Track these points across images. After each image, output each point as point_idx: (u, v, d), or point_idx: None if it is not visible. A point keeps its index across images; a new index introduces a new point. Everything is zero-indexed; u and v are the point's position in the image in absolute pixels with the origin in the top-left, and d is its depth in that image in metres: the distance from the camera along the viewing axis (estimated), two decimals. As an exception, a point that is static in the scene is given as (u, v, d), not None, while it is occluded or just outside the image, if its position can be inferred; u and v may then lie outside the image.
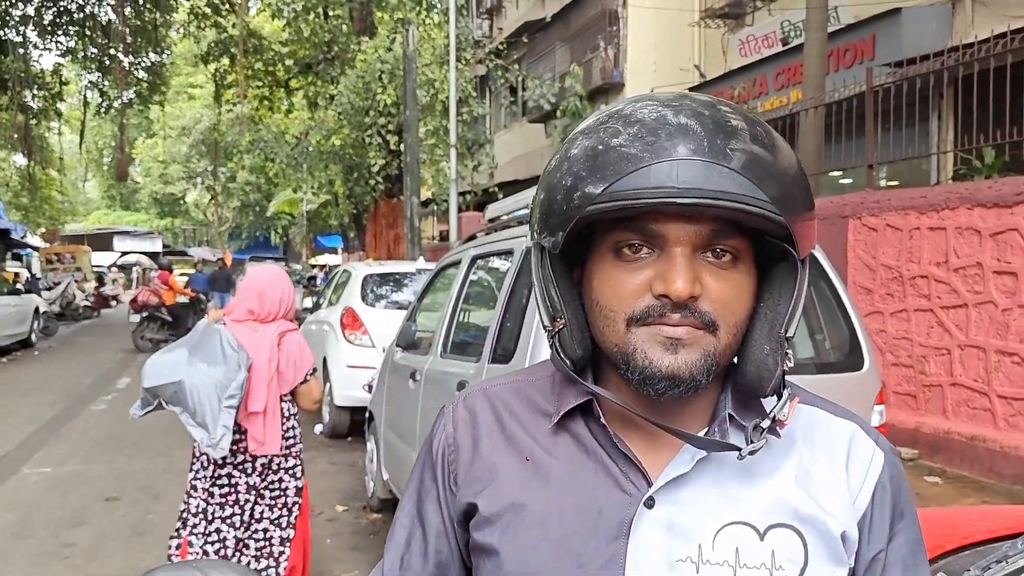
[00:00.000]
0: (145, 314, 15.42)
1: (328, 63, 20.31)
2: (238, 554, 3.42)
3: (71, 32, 23.76)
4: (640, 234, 0.80)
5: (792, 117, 9.48)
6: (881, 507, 0.87)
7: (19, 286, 16.93)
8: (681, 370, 0.79)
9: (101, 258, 37.78)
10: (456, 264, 4.59)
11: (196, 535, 3.38)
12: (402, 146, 16.06)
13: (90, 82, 26.42)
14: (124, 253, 43.05)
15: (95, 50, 23.87)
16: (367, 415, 5.94)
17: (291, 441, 3.51)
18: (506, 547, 0.86)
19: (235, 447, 3.34)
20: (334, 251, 33.84)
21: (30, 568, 4.47)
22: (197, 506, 3.41)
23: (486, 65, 19.90)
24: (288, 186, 25.11)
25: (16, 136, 24.55)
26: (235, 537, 3.42)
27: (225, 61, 23.98)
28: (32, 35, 22.65)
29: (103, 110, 27.24)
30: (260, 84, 24.18)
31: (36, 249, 30.74)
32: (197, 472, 3.45)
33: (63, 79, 26.08)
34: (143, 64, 25.98)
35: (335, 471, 6.57)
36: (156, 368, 3.30)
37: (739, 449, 0.81)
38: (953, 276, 6.21)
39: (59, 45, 24.16)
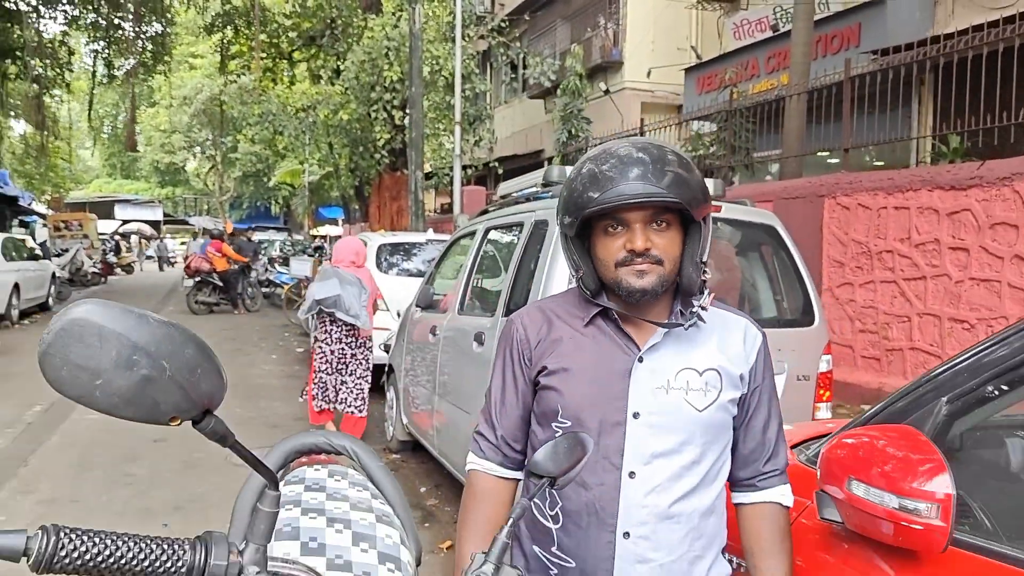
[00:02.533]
0: (198, 279, 16.52)
1: (333, 37, 20.80)
2: (338, 395, 6.16)
3: (75, 0, 24.13)
4: (616, 220, 1.47)
5: (778, 102, 10.11)
6: (759, 362, 1.58)
7: (37, 252, 17.52)
8: (646, 287, 1.47)
9: (103, 226, 38.28)
10: (471, 235, 5.25)
11: (316, 387, 6.17)
12: (406, 121, 16.60)
13: (94, 51, 26.85)
14: (125, 221, 43.54)
15: (100, 19, 24.27)
16: (387, 368, 6.63)
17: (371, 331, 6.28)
18: (563, 387, 1.56)
19: (349, 329, 6.09)
20: (335, 222, 34.33)
21: (102, 492, 5.16)
22: (319, 368, 6.13)
23: (488, 41, 20.37)
24: (297, 158, 25.61)
25: (27, 106, 24.98)
26: (338, 383, 6.16)
27: (229, 32, 24.41)
28: (37, 3, 22.97)
29: (107, 79, 27.66)
30: (264, 56, 24.61)
31: (43, 216, 31.22)
32: (321, 351, 6.16)
33: (70, 49, 26.47)
34: (147, 33, 26.41)
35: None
36: (322, 290, 5.93)
37: (683, 325, 1.51)
38: (914, 251, 6.89)
39: (64, 14, 24.55)
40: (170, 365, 0.88)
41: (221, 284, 16.73)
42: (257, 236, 22.85)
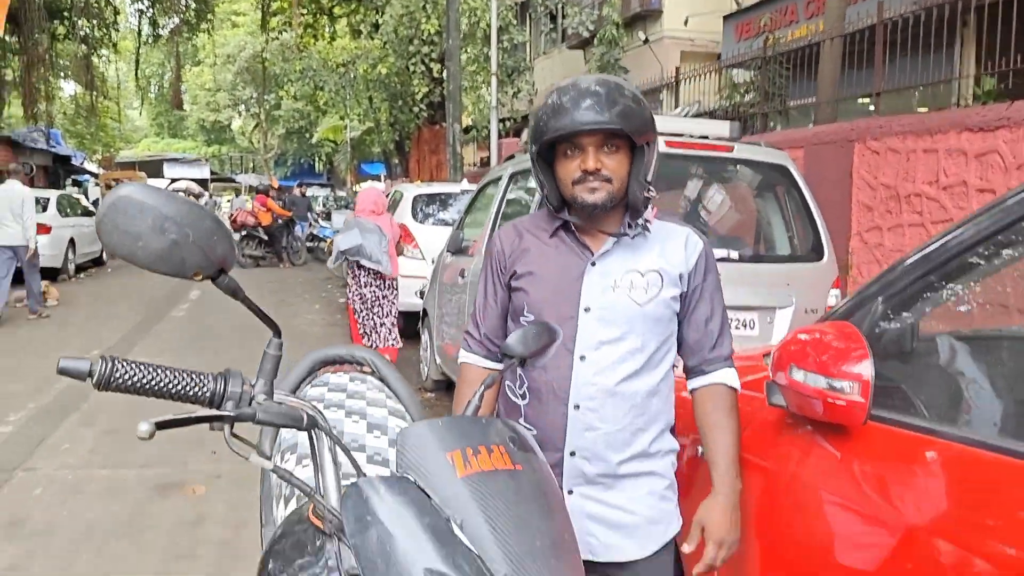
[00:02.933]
0: (244, 233, 16.94)
1: (373, -9, 20.88)
2: (374, 332, 6.76)
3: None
4: (573, 144, 1.70)
5: (814, 47, 10.04)
6: (700, 265, 1.79)
7: (91, 208, 18.12)
8: (597, 201, 1.71)
9: (153, 184, 39.05)
10: (496, 181, 5.46)
11: (359, 325, 6.80)
12: (445, 74, 16.72)
13: (139, 10, 27.27)
14: (174, 180, 44.44)
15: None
16: (421, 312, 6.92)
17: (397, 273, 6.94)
18: (529, 287, 1.81)
19: (375, 274, 6.65)
20: (377, 178, 34.67)
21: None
22: (356, 310, 6.78)
23: (526, -8, 20.30)
24: (337, 113, 25.88)
25: (76, 66, 25.55)
26: (375, 322, 6.75)
27: (271, -12, 24.62)
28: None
29: (152, 39, 28.10)
30: (304, 12, 24.77)
31: (94, 175, 32.06)
32: (354, 293, 6.79)
33: (116, 8, 26.90)
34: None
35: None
36: (345, 241, 6.53)
37: (629, 235, 1.74)
38: (942, 194, 6.93)
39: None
40: (193, 232, 1.14)
41: (266, 238, 17.23)
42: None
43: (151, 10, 26.72)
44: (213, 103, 47.18)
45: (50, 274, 12.55)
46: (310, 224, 18.73)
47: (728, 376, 1.79)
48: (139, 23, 28.24)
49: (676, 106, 13.42)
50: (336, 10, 24.92)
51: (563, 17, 20.07)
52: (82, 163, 32.40)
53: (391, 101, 20.30)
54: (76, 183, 29.40)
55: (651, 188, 1.75)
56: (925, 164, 7.09)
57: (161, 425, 1.14)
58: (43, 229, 14.11)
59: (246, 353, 7.76)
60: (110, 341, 8.59)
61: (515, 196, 5.21)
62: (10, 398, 6.20)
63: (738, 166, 4.44)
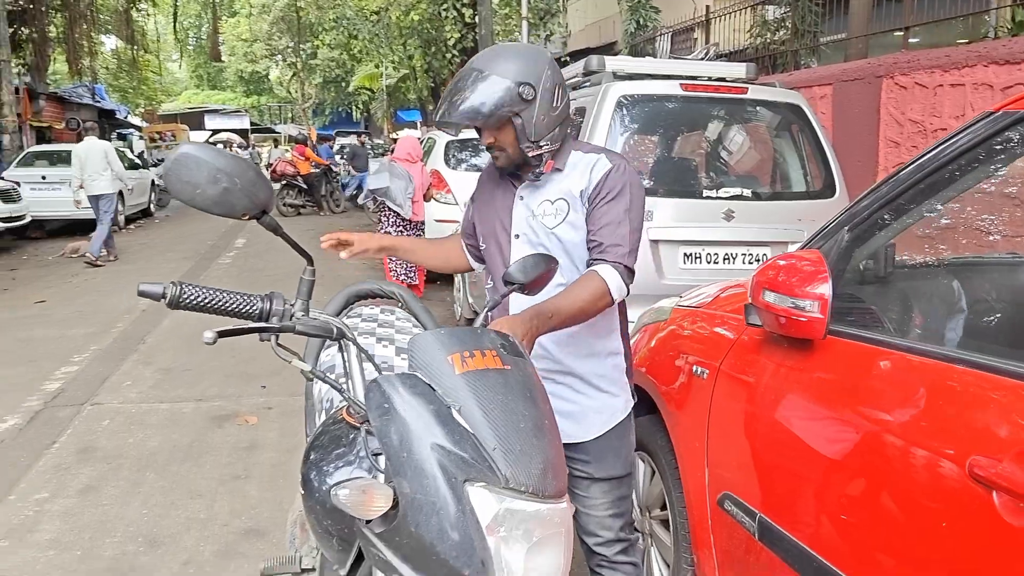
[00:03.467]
0: (283, 182, 17.44)
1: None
2: (401, 270, 7.25)
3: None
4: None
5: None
6: (602, 184, 2.02)
7: (137, 161, 18.60)
8: (501, 165, 2.07)
9: (194, 137, 39.74)
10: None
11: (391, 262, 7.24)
12: (476, 19, 16.71)
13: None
14: (215, 131, 45.00)
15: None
16: (455, 255, 7.22)
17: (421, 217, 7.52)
18: (477, 214, 2.21)
19: (404, 217, 7.19)
20: (414, 125, 34.75)
21: (210, 360, 5.93)
22: None
23: (559, -70, 20.04)
24: (372, 62, 25.94)
25: (116, 21, 25.90)
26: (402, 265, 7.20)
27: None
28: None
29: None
30: (337, -43, 24.76)
31: (138, 128, 32.66)
32: (383, 233, 6.73)
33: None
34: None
35: (430, 306, 7.90)
36: (374, 181, 7.18)
37: (534, 177, 2.08)
38: (969, 128, 6.95)
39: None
40: (240, 181, 1.43)
41: (306, 187, 17.60)
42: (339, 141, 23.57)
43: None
44: (250, 54, 47.32)
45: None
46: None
47: (602, 269, 1.97)
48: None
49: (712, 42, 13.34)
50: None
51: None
52: (126, 117, 33.02)
53: (424, 48, 20.34)
54: (121, 137, 29.98)
55: (541, 144, 2.02)
56: (952, 99, 7.10)
57: (222, 333, 1.42)
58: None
59: (289, 291, 8.14)
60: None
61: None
62: (74, 341, 6.64)
63: (756, 107, 4.58)
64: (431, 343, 1.52)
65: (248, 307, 1.56)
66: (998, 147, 1.65)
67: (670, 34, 14.74)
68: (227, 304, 1.53)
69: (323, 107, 48.69)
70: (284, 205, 17.55)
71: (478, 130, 2.07)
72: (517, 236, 2.10)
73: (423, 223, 7.59)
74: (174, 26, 30.98)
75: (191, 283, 1.50)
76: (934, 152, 1.78)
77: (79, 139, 22.80)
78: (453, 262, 2.45)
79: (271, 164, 21.94)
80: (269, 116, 56.53)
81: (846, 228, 1.95)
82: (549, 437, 1.49)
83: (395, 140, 32.69)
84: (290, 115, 54.34)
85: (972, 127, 1.71)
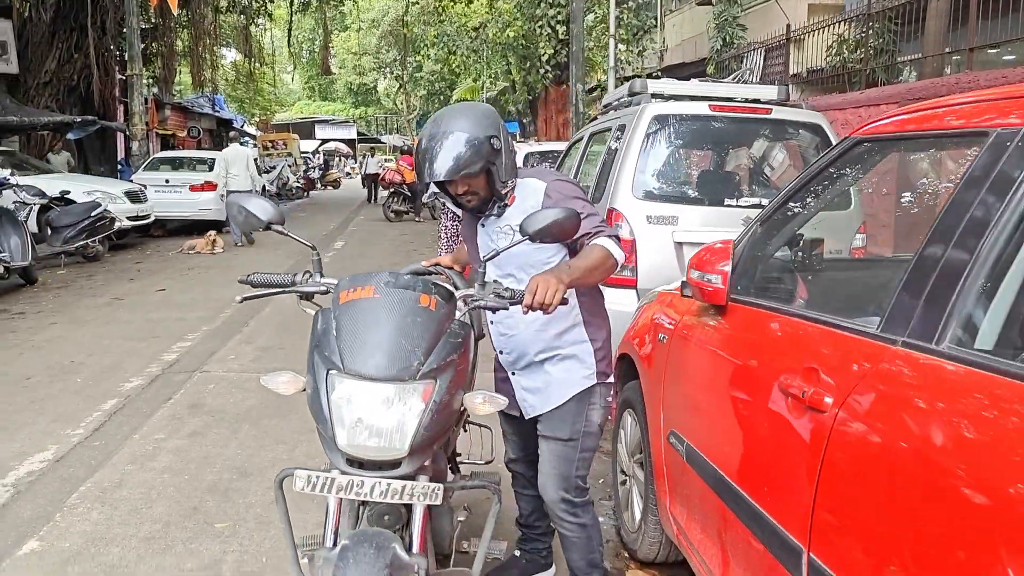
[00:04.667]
0: (392, 190, 19.12)
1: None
2: None
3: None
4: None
5: (921, 1, 10.15)
6: (547, 200, 2.46)
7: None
8: (474, 208, 2.55)
9: (304, 145, 41.75)
10: (580, 140, 6.29)
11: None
12: (569, 36, 17.41)
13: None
14: (324, 141, 47.12)
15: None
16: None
17: None
18: (466, 243, 2.79)
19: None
20: (512, 136, 35.62)
21: (302, 341, 6.77)
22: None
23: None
24: (469, 75, 26.97)
25: (236, 36, 27.75)
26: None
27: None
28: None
29: (303, 7, 30.00)
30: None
31: (253, 137, 34.64)
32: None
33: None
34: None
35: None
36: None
37: (499, 212, 2.57)
38: None
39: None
40: (253, 210, 2.22)
41: (409, 195, 18.77)
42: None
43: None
44: (359, 67, 49.45)
45: (216, 226, 14.27)
46: None
47: (597, 240, 2.40)
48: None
49: (799, 61, 13.63)
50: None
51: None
52: (242, 126, 35.06)
53: (520, 63, 21.18)
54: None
55: (507, 183, 2.49)
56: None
57: (248, 297, 2.32)
58: (209, 186, 16.04)
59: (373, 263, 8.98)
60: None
61: (594, 149, 6.02)
62: (188, 322, 7.63)
63: (779, 126, 5.09)
64: (339, 285, 2.23)
65: (283, 280, 2.41)
66: (845, 166, 2.23)
67: (763, 50, 15.03)
68: (271, 280, 2.39)
69: (427, 118, 50.26)
70: (390, 211, 18.93)
71: (442, 184, 2.45)
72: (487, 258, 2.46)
73: None
74: (289, 40, 32.79)
75: (255, 272, 2.39)
76: (810, 168, 2.36)
77: (199, 146, 24.63)
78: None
79: (368, 172, 23.26)
80: (376, 127, 58.64)
81: (757, 224, 2.54)
82: (395, 352, 2.02)
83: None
84: (395, 126, 56.27)
85: (833, 150, 2.28)
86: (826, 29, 12.35)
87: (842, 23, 12.06)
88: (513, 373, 2.69)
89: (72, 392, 5.49)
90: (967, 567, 1.27)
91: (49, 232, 11.45)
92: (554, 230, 2.23)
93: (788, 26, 13.41)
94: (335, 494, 2.00)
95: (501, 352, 2.69)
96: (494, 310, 2.36)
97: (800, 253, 2.64)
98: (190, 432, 4.73)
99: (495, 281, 2.38)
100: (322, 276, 2.40)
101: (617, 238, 2.44)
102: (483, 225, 2.62)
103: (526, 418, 2.69)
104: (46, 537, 3.44)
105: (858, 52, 11.60)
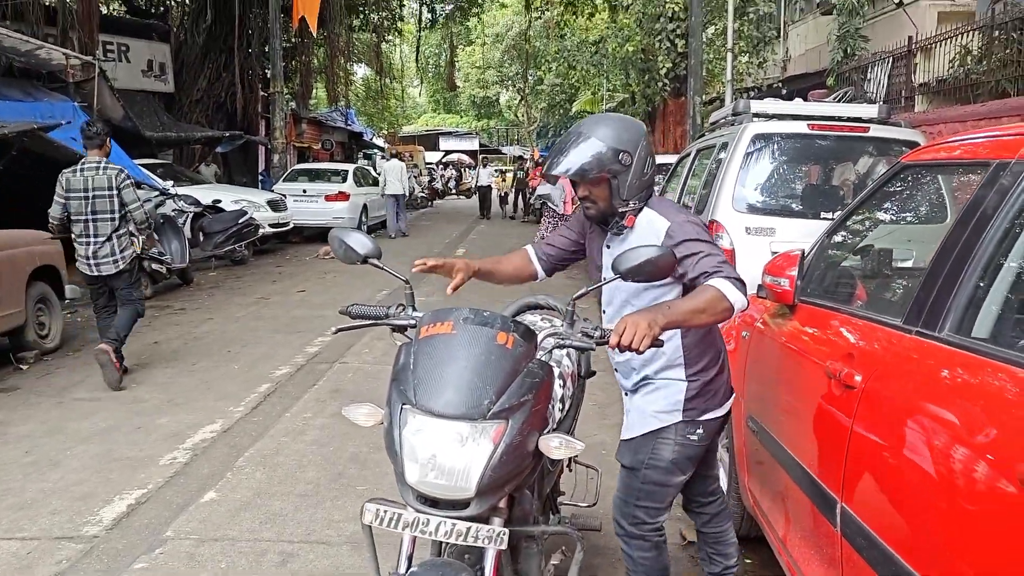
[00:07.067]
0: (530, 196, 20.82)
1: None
2: None
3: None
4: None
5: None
6: (667, 240, 2.36)
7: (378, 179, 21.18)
8: (591, 216, 2.55)
9: (429, 156, 43.16)
10: (688, 155, 6.68)
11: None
12: (687, 49, 17.64)
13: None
14: (447, 152, 48.60)
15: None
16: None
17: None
18: (588, 244, 2.76)
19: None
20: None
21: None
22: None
23: (778, -40, 20.50)
24: (588, 89, 27.45)
25: (367, 53, 29.20)
26: None
27: (535, -31, 26.59)
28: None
29: (431, 24, 31.25)
30: (565, -12, 26.53)
31: (381, 149, 36.23)
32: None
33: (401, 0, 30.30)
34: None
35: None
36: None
37: (616, 231, 2.54)
38: None
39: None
40: (353, 245, 2.49)
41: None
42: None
43: (430, -1, 29.91)
44: (483, 80, 50.71)
45: (348, 233, 15.29)
46: None
47: (712, 281, 2.29)
48: (420, 10, 31.60)
49: (929, 71, 13.43)
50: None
51: (813, -16, 20.09)
52: (371, 139, 36.74)
53: (639, 76, 21.50)
54: (366, 156, 33.44)
55: (627, 203, 2.45)
56: None
57: (340, 329, 2.40)
58: (342, 196, 17.14)
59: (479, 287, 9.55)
60: (394, 283, 10.79)
61: (700, 165, 6.41)
62: (327, 320, 8.42)
63: (876, 144, 5.35)
64: (421, 320, 2.22)
65: (376, 312, 2.44)
66: (895, 186, 2.60)
67: (890, 60, 14.85)
68: (366, 312, 2.44)
69: (547, 129, 51.06)
70: (526, 216, 20.18)
71: (574, 183, 2.47)
72: (606, 280, 2.44)
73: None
74: (416, 56, 34.16)
75: (355, 303, 2.48)
76: (870, 188, 2.74)
77: (331, 158, 26.08)
78: (524, 275, 2.81)
79: (480, 184, 24.42)
80: (497, 138, 59.85)
81: (824, 236, 2.93)
82: (462, 376, 1.99)
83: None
84: (516, 137, 57.31)
85: (887, 172, 2.65)
86: (952, 39, 12.17)
87: (967, 33, 11.87)
88: (626, 393, 2.72)
89: (231, 376, 6.30)
90: (955, 507, 1.66)
91: (202, 237, 12.63)
92: (647, 269, 2.16)
93: (910, 38, 13.25)
94: (401, 530, 2.01)
95: (616, 371, 2.73)
96: (581, 350, 2.28)
97: (861, 260, 3.01)
98: (332, 412, 5.39)
99: (585, 319, 2.29)
100: (414, 309, 2.43)
101: (740, 281, 2.30)
102: (608, 246, 2.59)
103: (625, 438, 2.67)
104: (221, 489, 4.14)
105: (983, 63, 11.40)
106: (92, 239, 5.98)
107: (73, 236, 6.05)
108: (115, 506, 3.94)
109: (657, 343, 2.11)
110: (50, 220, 6.05)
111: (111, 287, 6.20)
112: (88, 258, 6.01)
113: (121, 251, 6.06)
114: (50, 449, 4.73)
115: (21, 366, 6.67)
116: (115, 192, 5.98)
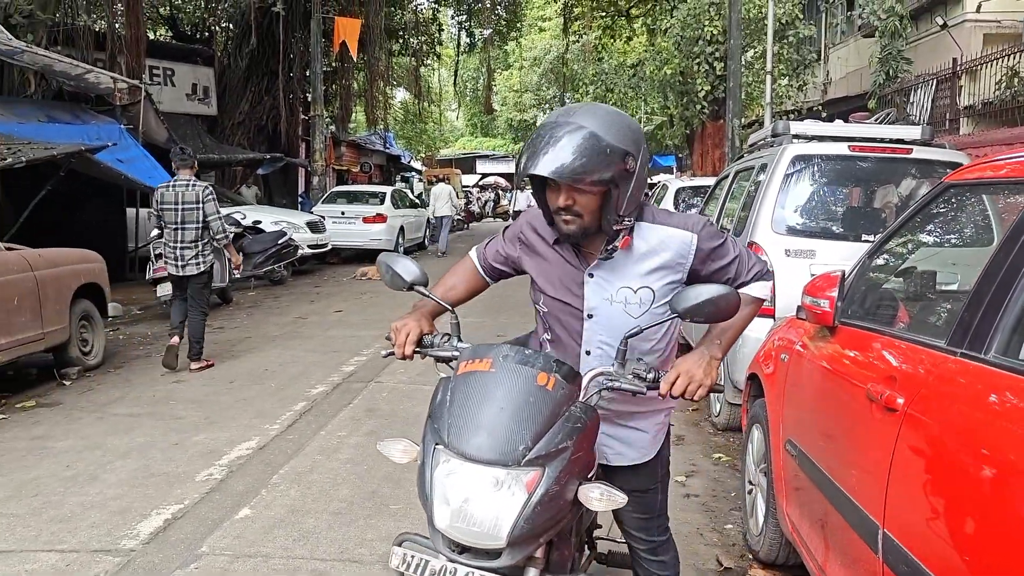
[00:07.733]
0: None
1: (667, -8, 22.15)
2: None
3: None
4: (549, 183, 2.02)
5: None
6: (699, 252, 2.10)
7: (416, 201, 21.37)
8: (569, 233, 2.02)
9: (466, 179, 43.44)
10: (726, 177, 6.64)
11: None
12: (726, 72, 17.59)
13: (459, 23, 30.84)
14: (484, 175, 48.90)
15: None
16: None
17: None
18: (540, 287, 2.23)
19: None
20: (669, 170, 35.85)
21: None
22: None
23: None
24: (627, 111, 27.45)
25: (406, 77, 29.54)
26: None
27: (574, -7, 26.77)
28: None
29: (469, 48, 31.55)
30: (603, 15, 26.65)
31: (418, 172, 36.58)
32: None
33: (440, 25, 30.65)
34: (502, 3, 29.79)
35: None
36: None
37: (605, 256, 2.10)
38: None
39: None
40: (398, 270, 2.39)
41: None
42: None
43: (468, 23, 30.17)
44: (520, 103, 50.96)
45: (385, 254, 15.40)
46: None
47: (752, 289, 2.18)
48: (458, 35, 31.94)
49: (974, 93, 13.24)
50: (633, 11, 26.52)
51: (853, 8, 19.94)
52: (409, 161, 37.14)
53: (677, 98, 21.47)
54: (404, 179, 33.77)
55: (621, 220, 2.01)
56: None
57: (390, 353, 2.30)
58: (380, 218, 17.28)
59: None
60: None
61: (739, 186, 6.35)
62: (363, 340, 8.48)
63: (919, 165, 5.25)
64: (462, 355, 2.12)
65: (423, 340, 2.26)
66: (938, 207, 2.55)
67: (934, 83, 14.66)
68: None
69: (584, 152, 51.10)
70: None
71: (547, 189, 2.03)
72: (590, 316, 2.13)
73: None
74: (454, 80, 34.45)
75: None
76: (912, 208, 2.69)
77: (370, 181, 26.39)
78: (474, 291, 2.51)
79: (517, 209, 24.42)
80: (534, 161, 59.98)
81: (867, 254, 2.87)
82: (497, 419, 1.88)
83: (651, 185, 34.16)
84: (553, 160, 57.35)
85: (928, 194, 2.60)
86: (998, 61, 12.00)
87: (1014, 54, 11.69)
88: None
89: (268, 394, 6.35)
90: (1001, 536, 1.60)
91: (242, 257, 12.82)
92: (707, 309, 1.98)
93: (955, 60, 13.08)
94: None
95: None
96: (633, 394, 2.08)
97: (903, 282, 2.95)
98: (367, 432, 5.40)
99: (639, 359, 2.10)
100: (459, 340, 2.27)
101: (765, 273, 2.21)
102: (591, 275, 2.14)
103: (608, 464, 2.37)
104: (256, 506, 4.16)
105: (1029, 86, 11.23)
106: (180, 244, 7.01)
107: (164, 241, 7.16)
108: (152, 520, 3.97)
109: (716, 388, 2.01)
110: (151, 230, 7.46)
111: (188, 285, 7.15)
112: (176, 260, 7.05)
113: (204, 256, 7.09)
114: (90, 463, 4.79)
115: (64, 382, 6.79)
116: (200, 205, 7.00)
